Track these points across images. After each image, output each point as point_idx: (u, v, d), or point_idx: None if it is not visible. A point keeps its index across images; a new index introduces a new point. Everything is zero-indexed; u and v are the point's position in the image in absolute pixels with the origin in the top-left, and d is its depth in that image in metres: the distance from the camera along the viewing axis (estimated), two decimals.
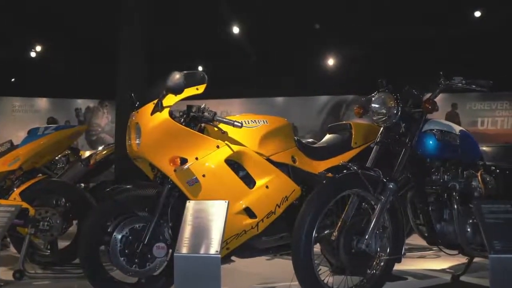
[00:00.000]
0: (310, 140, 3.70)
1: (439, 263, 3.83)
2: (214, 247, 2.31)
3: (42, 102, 13.27)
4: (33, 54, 11.91)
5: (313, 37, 10.76)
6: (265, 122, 2.95)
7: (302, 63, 11.17)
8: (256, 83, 11.28)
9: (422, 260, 3.98)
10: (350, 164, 2.56)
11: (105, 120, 13.27)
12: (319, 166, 3.14)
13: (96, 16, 9.22)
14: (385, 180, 2.57)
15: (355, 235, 2.53)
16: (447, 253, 3.02)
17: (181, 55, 9.82)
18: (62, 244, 3.89)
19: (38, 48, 11.85)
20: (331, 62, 12.16)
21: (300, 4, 9.58)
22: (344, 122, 3.53)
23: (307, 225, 2.40)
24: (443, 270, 3.64)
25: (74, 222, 3.99)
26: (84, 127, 4.28)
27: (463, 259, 3.38)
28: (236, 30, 11.06)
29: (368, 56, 10.39)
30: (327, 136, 3.48)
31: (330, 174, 2.57)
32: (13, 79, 12.26)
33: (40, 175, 3.91)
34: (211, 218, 2.45)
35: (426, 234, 2.99)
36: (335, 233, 2.56)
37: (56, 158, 5.05)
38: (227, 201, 2.49)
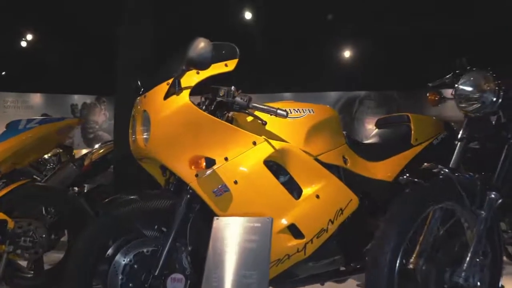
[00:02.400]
0: None
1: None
2: (259, 284, 1.62)
3: (36, 98, 12.54)
4: (26, 47, 11.25)
5: (323, 31, 10.23)
6: (311, 111, 2.25)
7: (312, 58, 10.62)
8: (264, 79, 10.69)
9: None
10: (439, 165, 1.87)
11: (102, 117, 12.60)
12: (375, 169, 2.50)
13: (94, 7, 8.64)
14: (484, 189, 1.89)
15: (447, 265, 1.84)
16: None
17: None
18: (51, 259, 3.19)
19: (32, 40, 11.19)
20: (341, 56, 11.60)
21: None
22: (399, 113, 2.86)
23: (389, 253, 1.71)
24: None
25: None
26: (76, 121, 3.61)
27: None
28: (242, 24, 10.55)
29: (381, 50, 9.84)
30: (377, 131, 2.84)
31: (414, 180, 1.87)
32: (3, 73, 11.67)
33: (23, 178, 3.21)
34: (250, 241, 1.77)
35: None
36: (414, 260, 1.88)
37: (46, 157, 4.39)
38: (270, 217, 1.81)
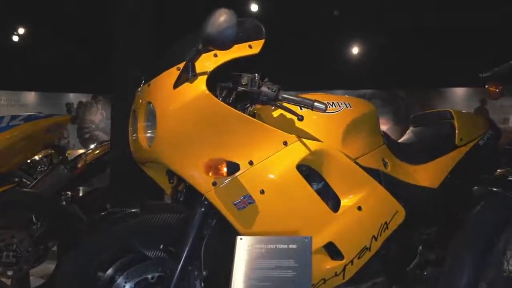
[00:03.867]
0: None
1: None
2: None
3: (30, 96, 12.14)
4: (20, 43, 10.88)
5: (329, 29, 9.98)
6: (348, 105, 1.88)
7: (317, 56, 10.32)
8: (267, 76, 10.41)
9: None
10: None
11: (99, 116, 12.23)
12: (417, 173, 2.14)
13: (90, 4, 8.34)
14: None
15: None
16: None
17: None
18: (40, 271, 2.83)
19: (26, 37, 10.84)
20: (347, 53, 11.29)
21: None
22: (439, 109, 2.50)
23: (469, 280, 1.33)
24: None
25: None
26: (67, 118, 3.23)
27: None
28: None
29: (387, 48, 9.53)
30: (414, 130, 2.49)
31: (493, 190, 1.50)
32: None
33: (7, 183, 2.82)
34: (284, 268, 1.39)
35: None
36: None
37: (36, 158, 4.02)
38: (309, 236, 1.44)
